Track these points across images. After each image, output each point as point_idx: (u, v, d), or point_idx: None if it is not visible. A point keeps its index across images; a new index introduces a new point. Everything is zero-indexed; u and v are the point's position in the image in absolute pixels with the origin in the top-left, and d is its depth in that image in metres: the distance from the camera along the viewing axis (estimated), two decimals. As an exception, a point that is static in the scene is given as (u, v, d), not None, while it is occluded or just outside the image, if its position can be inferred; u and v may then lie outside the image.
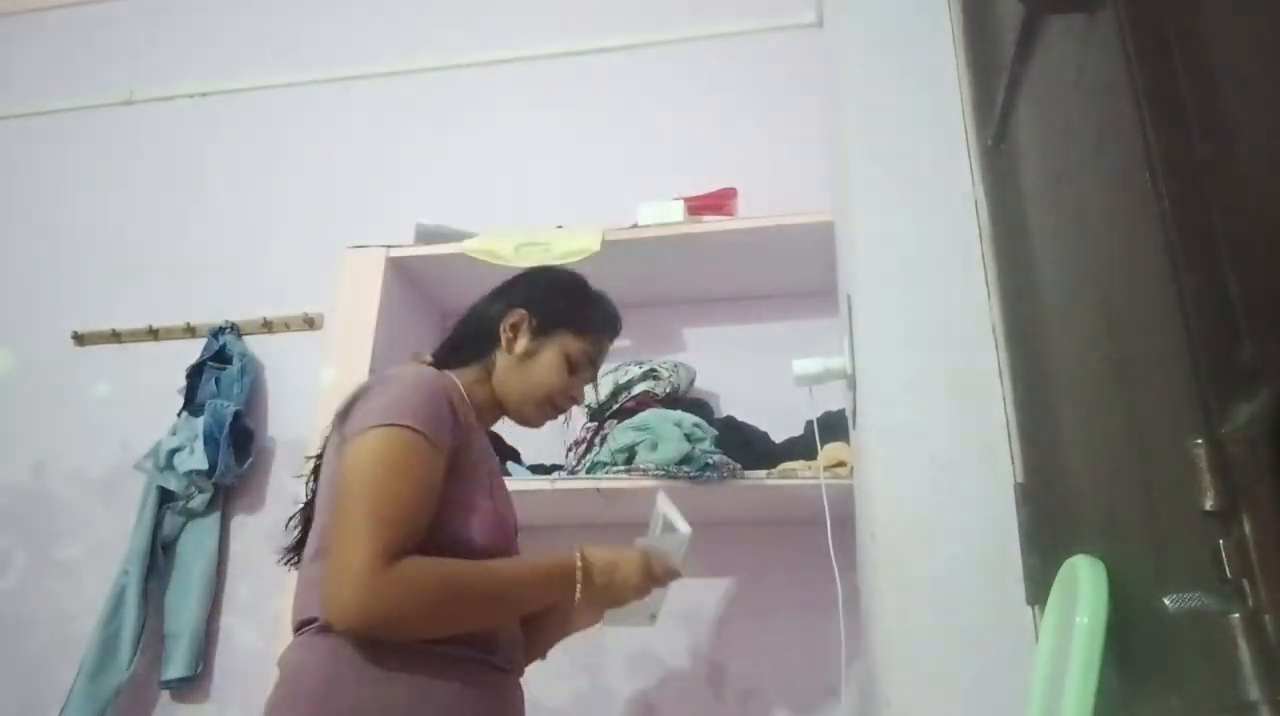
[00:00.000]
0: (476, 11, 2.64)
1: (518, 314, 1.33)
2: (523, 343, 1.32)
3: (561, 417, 1.41)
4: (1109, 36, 0.55)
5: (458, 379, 1.29)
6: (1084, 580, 0.63)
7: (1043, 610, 0.80)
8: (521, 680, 1.26)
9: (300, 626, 1.15)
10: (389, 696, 1.04)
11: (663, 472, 1.72)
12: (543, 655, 1.36)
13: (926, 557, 0.87)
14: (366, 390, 1.19)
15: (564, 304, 1.36)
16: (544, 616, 1.29)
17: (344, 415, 1.17)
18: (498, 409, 1.34)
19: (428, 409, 1.13)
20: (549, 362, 1.31)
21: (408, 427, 1.09)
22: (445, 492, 1.12)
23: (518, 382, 1.31)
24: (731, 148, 2.28)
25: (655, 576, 1.22)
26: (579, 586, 1.15)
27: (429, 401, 1.14)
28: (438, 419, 1.13)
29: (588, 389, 1.42)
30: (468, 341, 1.36)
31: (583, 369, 1.35)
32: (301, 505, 1.32)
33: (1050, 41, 0.71)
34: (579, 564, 1.16)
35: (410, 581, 1.02)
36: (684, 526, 1.28)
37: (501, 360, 1.32)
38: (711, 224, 1.93)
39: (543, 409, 1.33)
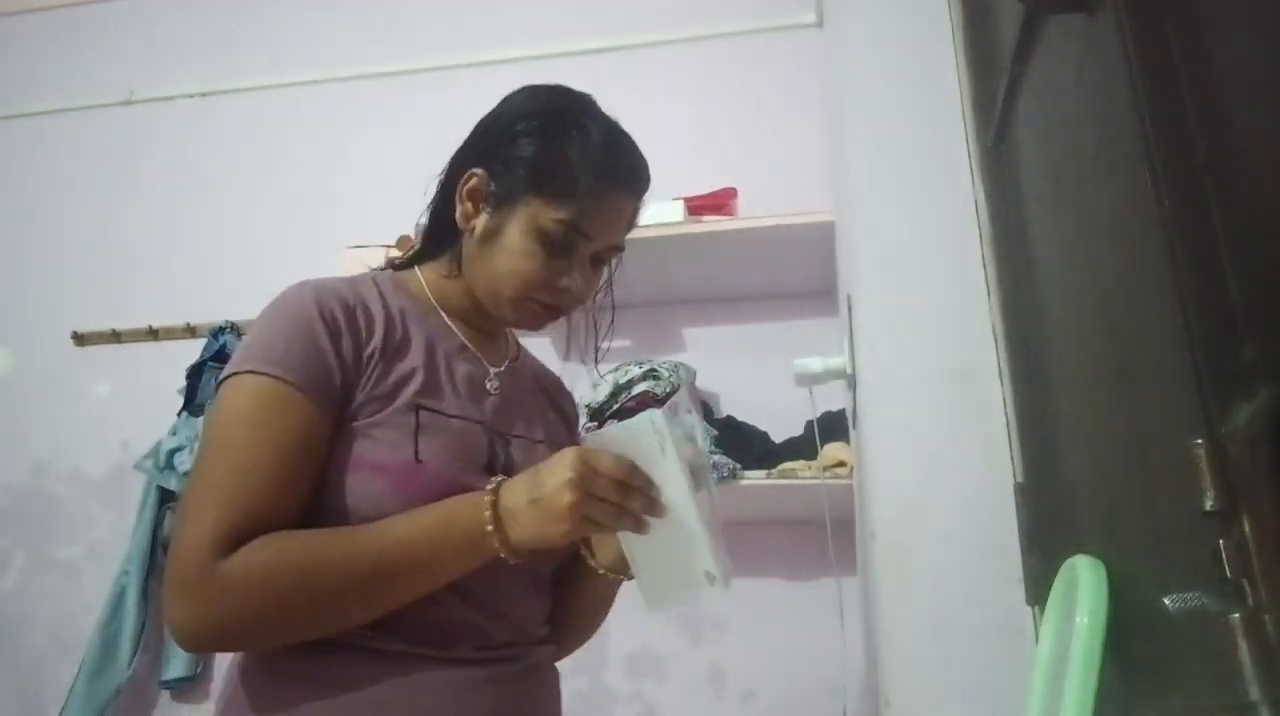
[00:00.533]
0: (477, 11, 2.64)
1: (474, 177, 0.97)
2: (481, 219, 0.95)
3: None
4: (1109, 36, 0.55)
5: (421, 275, 1.02)
6: (1084, 580, 0.63)
7: (1043, 610, 0.80)
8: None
9: None
10: None
11: (663, 472, 1.72)
12: (579, 633, 1.08)
13: (926, 558, 0.87)
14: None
15: (530, 153, 0.94)
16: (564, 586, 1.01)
17: None
18: (482, 312, 1.01)
19: (284, 340, 0.86)
20: (516, 245, 0.93)
21: (251, 373, 0.84)
22: (333, 448, 0.86)
23: (483, 272, 0.96)
24: (731, 148, 2.28)
25: (600, 470, 0.80)
26: (488, 516, 0.81)
27: (287, 329, 0.87)
28: (306, 352, 0.85)
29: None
30: (432, 223, 1.05)
31: (569, 248, 0.93)
32: None
33: (1050, 41, 0.71)
34: (488, 491, 0.83)
35: (245, 575, 0.77)
36: (691, 422, 0.90)
37: (466, 243, 0.98)
38: (711, 224, 1.93)
39: (522, 306, 0.96)
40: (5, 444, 2.45)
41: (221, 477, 0.81)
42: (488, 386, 0.99)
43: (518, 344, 1.13)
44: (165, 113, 2.77)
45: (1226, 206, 0.44)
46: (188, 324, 2.44)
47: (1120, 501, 0.62)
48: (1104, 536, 0.65)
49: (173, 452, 2.19)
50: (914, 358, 0.95)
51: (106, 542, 2.26)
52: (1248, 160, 0.43)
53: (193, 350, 2.34)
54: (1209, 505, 0.44)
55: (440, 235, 1.03)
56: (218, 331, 2.35)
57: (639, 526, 0.82)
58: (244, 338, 0.93)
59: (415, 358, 0.93)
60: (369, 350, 0.90)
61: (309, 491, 0.84)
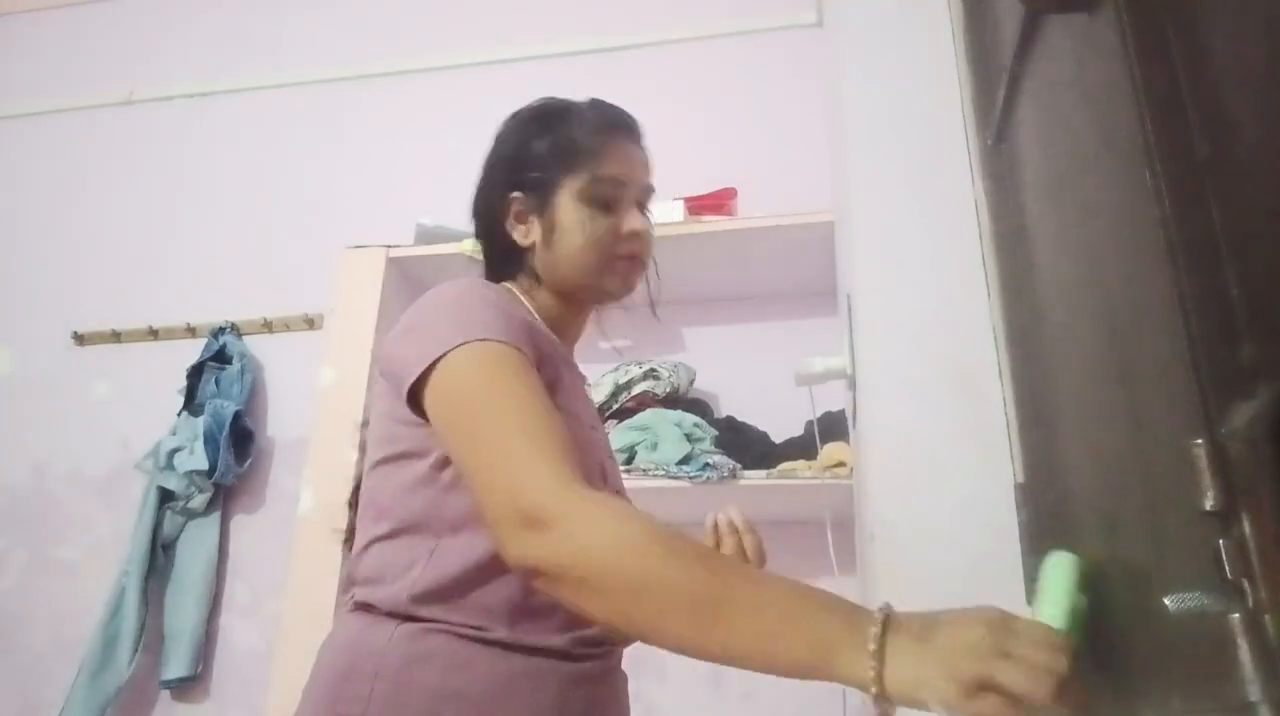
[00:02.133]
0: (477, 11, 2.64)
1: (512, 201, 1.07)
2: (535, 228, 1.05)
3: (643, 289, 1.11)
4: (1109, 36, 0.55)
5: (523, 297, 1.06)
6: (1046, 575, 0.64)
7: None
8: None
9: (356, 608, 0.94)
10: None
11: (663, 473, 1.72)
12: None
13: (926, 557, 0.87)
14: (406, 326, 0.94)
15: (542, 151, 1.06)
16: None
17: (392, 360, 0.95)
18: (571, 308, 1.07)
19: (498, 320, 0.89)
20: (573, 222, 1.02)
21: (467, 344, 0.85)
22: None
23: (563, 261, 1.03)
24: (731, 148, 2.28)
25: (1022, 633, 0.59)
26: (876, 631, 0.63)
27: (495, 310, 0.91)
28: (507, 325, 0.89)
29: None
30: (496, 261, 1.11)
31: (615, 200, 1.04)
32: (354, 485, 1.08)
33: (1050, 41, 0.71)
34: (879, 613, 0.65)
35: (617, 519, 0.71)
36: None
37: (537, 258, 1.06)
38: (711, 224, 1.93)
39: (609, 267, 1.03)
40: (5, 444, 2.45)
41: (523, 426, 0.79)
42: (588, 392, 1.06)
43: None
44: (165, 113, 2.77)
45: (1226, 206, 0.44)
46: (188, 324, 2.44)
47: (1120, 501, 0.62)
48: (1104, 536, 0.65)
49: (173, 452, 2.19)
50: (914, 358, 0.95)
51: (106, 542, 2.26)
52: (1248, 160, 0.43)
53: (193, 350, 2.34)
54: (1209, 505, 0.44)
55: (502, 264, 1.09)
56: (218, 331, 2.35)
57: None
58: (425, 323, 0.91)
59: (548, 363, 0.94)
60: (545, 352, 0.94)
61: None
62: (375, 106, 2.61)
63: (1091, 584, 0.64)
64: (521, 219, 1.06)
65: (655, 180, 1.11)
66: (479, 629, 0.87)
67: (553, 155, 1.05)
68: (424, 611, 0.88)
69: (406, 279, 2.08)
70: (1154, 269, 0.49)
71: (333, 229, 2.30)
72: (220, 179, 2.63)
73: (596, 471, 0.96)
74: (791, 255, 1.94)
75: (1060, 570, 0.64)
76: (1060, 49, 0.69)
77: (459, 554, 0.89)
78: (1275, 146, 0.40)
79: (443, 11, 2.67)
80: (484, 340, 0.86)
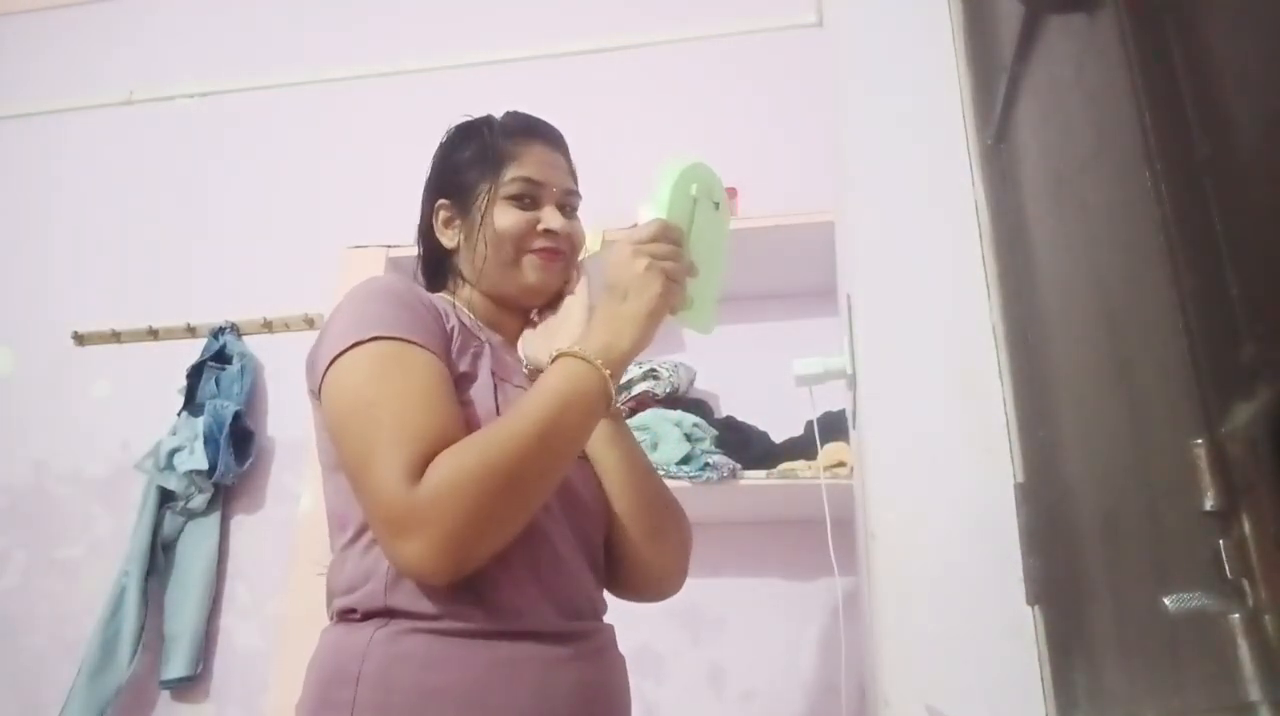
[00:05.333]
0: (477, 12, 2.64)
1: (440, 207, 1.15)
2: (458, 229, 1.12)
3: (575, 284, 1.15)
4: (1109, 36, 0.55)
5: (453, 298, 1.13)
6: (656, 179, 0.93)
7: (1043, 610, 0.80)
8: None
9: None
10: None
11: (663, 473, 1.72)
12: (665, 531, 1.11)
13: (926, 557, 0.87)
14: (320, 331, 1.00)
15: (463, 159, 1.14)
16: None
17: (309, 372, 1.01)
18: (502, 306, 1.13)
19: (394, 312, 0.95)
20: (490, 219, 1.08)
21: (378, 338, 0.91)
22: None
23: (480, 257, 1.09)
24: (731, 148, 2.28)
25: (646, 237, 0.96)
26: (601, 371, 0.90)
27: (388, 303, 0.96)
28: (413, 321, 0.95)
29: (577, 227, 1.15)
30: (429, 266, 1.19)
31: (534, 199, 1.10)
32: None
33: (1050, 41, 0.71)
34: (574, 350, 0.91)
35: (443, 487, 0.82)
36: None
37: (462, 259, 1.13)
38: (711, 224, 1.93)
39: (525, 261, 1.09)
40: (5, 444, 2.45)
41: (383, 424, 0.86)
42: (526, 372, 1.11)
43: None
44: (165, 113, 2.78)
45: (1226, 206, 0.44)
46: (188, 324, 2.44)
47: (1120, 501, 0.62)
48: (1104, 536, 0.65)
49: (173, 452, 2.19)
50: (914, 358, 0.95)
51: (106, 542, 2.26)
52: (1248, 160, 0.43)
53: (193, 350, 2.34)
54: (1209, 505, 0.44)
55: (434, 271, 1.19)
56: (218, 331, 2.35)
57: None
58: (329, 327, 0.97)
59: (475, 343, 1.03)
60: (448, 327, 1.00)
61: (463, 417, 0.92)
62: (375, 106, 2.61)
63: (697, 176, 0.96)
64: (449, 224, 1.14)
65: (582, 192, 1.17)
66: (456, 620, 0.90)
67: (473, 162, 1.12)
68: (402, 606, 0.90)
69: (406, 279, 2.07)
70: (1154, 269, 0.49)
71: (333, 229, 2.30)
72: (220, 179, 2.63)
73: None
74: (791, 255, 1.94)
75: (665, 172, 0.93)
76: (1060, 49, 0.69)
77: None
78: (1275, 146, 0.40)
79: (443, 11, 2.67)
80: (373, 339, 0.91)
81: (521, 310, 1.14)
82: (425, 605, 0.90)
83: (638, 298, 0.92)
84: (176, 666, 2.06)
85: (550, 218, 1.09)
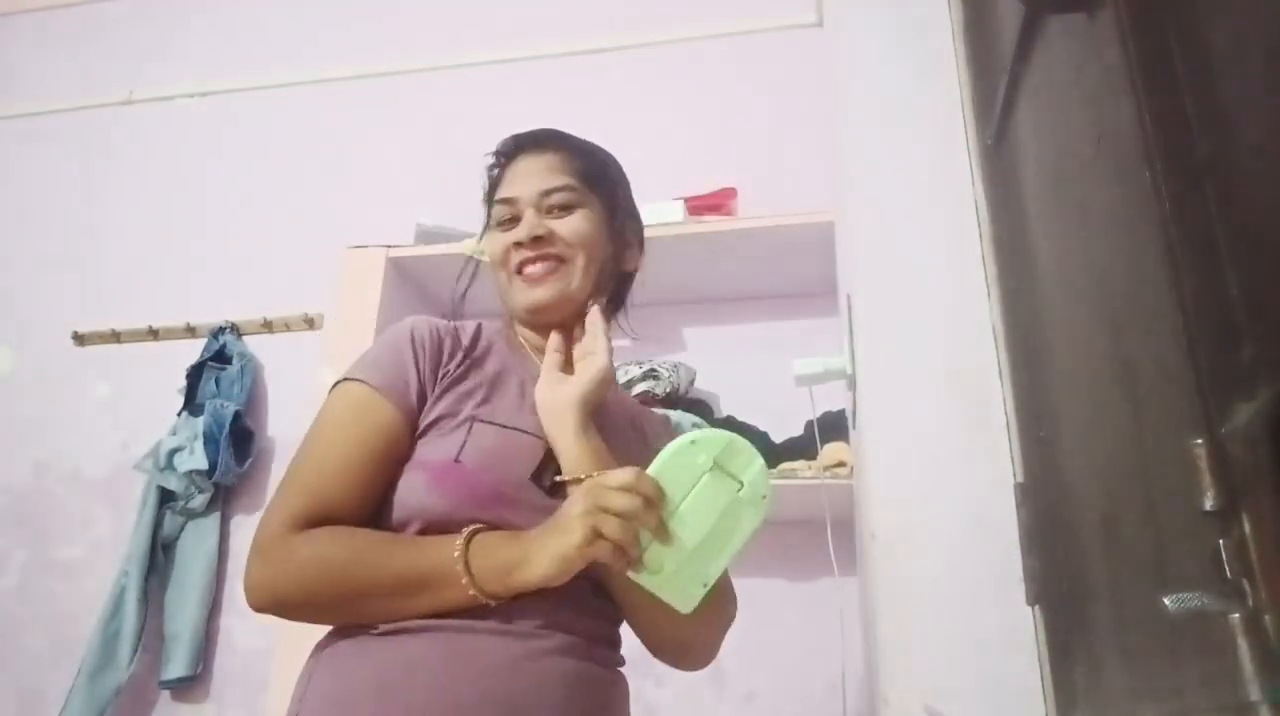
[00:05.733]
0: (477, 11, 2.64)
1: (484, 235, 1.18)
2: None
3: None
4: (1109, 36, 0.55)
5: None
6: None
7: (1043, 610, 0.80)
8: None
9: None
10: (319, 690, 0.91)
11: (663, 472, 1.72)
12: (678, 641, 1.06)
13: (926, 557, 0.87)
14: None
15: (487, 192, 1.17)
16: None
17: None
18: (534, 329, 1.11)
19: (377, 353, 1.02)
20: (488, 248, 1.12)
21: (348, 381, 0.99)
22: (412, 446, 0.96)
23: (498, 291, 1.12)
24: (731, 148, 2.28)
25: (610, 482, 0.86)
26: (463, 570, 0.86)
27: (385, 346, 1.02)
28: (394, 364, 0.99)
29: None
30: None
31: (510, 216, 1.09)
32: None
33: (1050, 41, 0.71)
34: (458, 547, 0.87)
35: (306, 552, 0.88)
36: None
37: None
38: (711, 224, 1.93)
39: (514, 276, 1.07)
40: (5, 444, 2.45)
41: (305, 466, 0.95)
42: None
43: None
44: (165, 113, 2.77)
45: (1226, 206, 0.44)
46: (188, 324, 2.44)
47: (1120, 501, 0.62)
48: (1104, 536, 0.65)
49: (173, 452, 2.19)
50: (914, 358, 0.95)
51: (106, 542, 2.26)
52: (1248, 160, 0.43)
53: (193, 350, 2.34)
54: (1209, 505, 0.44)
55: None
56: (218, 331, 2.35)
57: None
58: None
59: (484, 379, 1.03)
60: (444, 370, 1.01)
61: (382, 486, 0.95)
62: (375, 106, 2.61)
63: (717, 447, 0.88)
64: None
65: (572, 178, 1.10)
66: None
67: (488, 193, 1.16)
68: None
69: (406, 279, 2.08)
70: (1154, 269, 0.49)
71: (333, 229, 2.30)
72: (220, 179, 2.63)
73: (511, 464, 0.96)
74: (791, 255, 1.94)
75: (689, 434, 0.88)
76: (1060, 49, 0.69)
77: None
78: (1275, 146, 0.40)
79: (444, 11, 2.67)
80: (350, 380, 0.99)
81: (552, 328, 1.07)
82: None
83: (558, 536, 0.85)
84: (176, 666, 2.06)
85: (517, 230, 1.07)
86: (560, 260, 1.06)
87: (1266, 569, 0.42)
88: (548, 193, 1.08)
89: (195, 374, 2.28)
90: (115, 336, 2.48)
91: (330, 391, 1.00)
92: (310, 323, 2.37)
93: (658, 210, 1.92)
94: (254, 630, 2.14)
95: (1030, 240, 0.82)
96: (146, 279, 2.55)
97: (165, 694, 2.12)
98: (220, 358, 2.30)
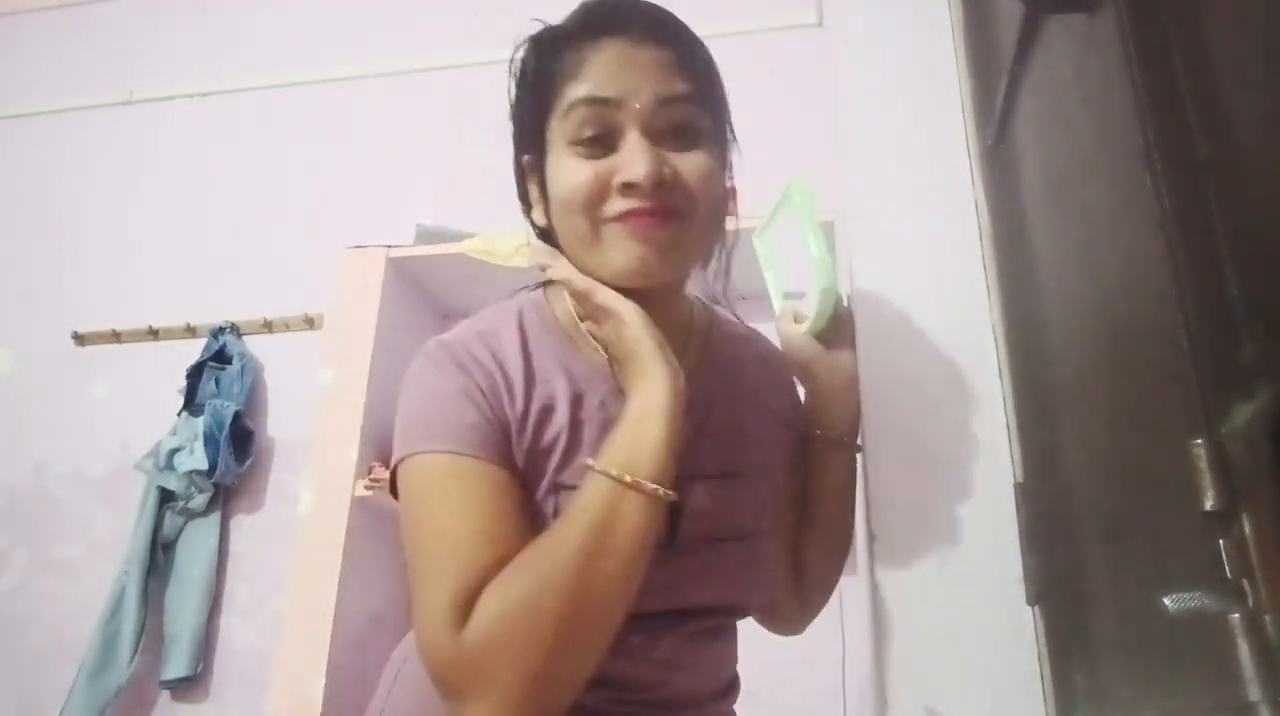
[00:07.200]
0: (477, 11, 2.64)
1: (525, 169, 0.85)
2: (536, 189, 0.83)
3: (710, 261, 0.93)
4: (1109, 36, 0.55)
5: (547, 300, 0.87)
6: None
7: (1043, 610, 0.80)
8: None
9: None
10: None
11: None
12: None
13: (926, 557, 0.87)
14: (398, 411, 0.82)
15: (526, 88, 0.83)
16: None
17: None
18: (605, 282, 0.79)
19: (457, 414, 0.77)
20: (555, 175, 0.78)
21: (428, 453, 0.76)
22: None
23: (561, 232, 0.80)
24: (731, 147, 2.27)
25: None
26: (614, 477, 0.70)
27: (457, 401, 0.77)
28: (477, 424, 0.77)
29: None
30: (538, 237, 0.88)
31: (605, 133, 0.76)
32: None
33: (1050, 41, 0.71)
34: (609, 472, 0.71)
35: (488, 628, 0.68)
36: None
37: (559, 242, 0.82)
38: (711, 224, 1.93)
39: (606, 234, 0.77)
40: (5, 444, 2.45)
41: (434, 550, 0.73)
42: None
43: (704, 323, 0.98)
44: (165, 113, 2.78)
45: (1226, 206, 0.44)
46: (188, 324, 2.44)
47: (1120, 501, 0.62)
48: (1104, 536, 0.65)
49: (173, 452, 2.19)
50: (914, 357, 0.95)
51: (106, 542, 2.26)
52: (1248, 160, 0.43)
53: (193, 350, 2.34)
54: (1209, 505, 0.44)
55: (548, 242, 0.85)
56: (218, 331, 2.35)
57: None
58: (401, 409, 0.81)
59: (560, 419, 0.80)
60: (514, 418, 0.79)
61: (525, 539, 0.73)
62: (375, 106, 2.61)
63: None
64: (536, 190, 0.83)
65: (695, 87, 0.81)
66: None
67: (534, 90, 0.80)
68: None
69: (406, 279, 2.08)
70: (1154, 269, 0.49)
71: (333, 229, 2.30)
72: (220, 179, 2.63)
73: None
74: (791, 255, 1.94)
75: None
76: (1060, 49, 0.69)
77: None
78: (1275, 146, 0.40)
79: (443, 11, 2.67)
80: (422, 453, 0.76)
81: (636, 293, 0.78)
82: None
83: (648, 380, 0.74)
84: (176, 666, 2.06)
85: (630, 161, 0.74)
86: (677, 214, 0.78)
87: (1266, 569, 0.42)
88: (666, 101, 0.77)
89: (195, 374, 2.29)
90: (115, 336, 2.48)
91: (403, 466, 0.78)
92: (310, 322, 2.37)
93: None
94: (254, 630, 2.14)
95: (1030, 240, 0.82)
96: (146, 279, 2.55)
97: (165, 694, 2.12)
98: (220, 358, 2.30)
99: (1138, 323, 0.56)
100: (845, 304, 0.99)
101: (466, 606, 0.68)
